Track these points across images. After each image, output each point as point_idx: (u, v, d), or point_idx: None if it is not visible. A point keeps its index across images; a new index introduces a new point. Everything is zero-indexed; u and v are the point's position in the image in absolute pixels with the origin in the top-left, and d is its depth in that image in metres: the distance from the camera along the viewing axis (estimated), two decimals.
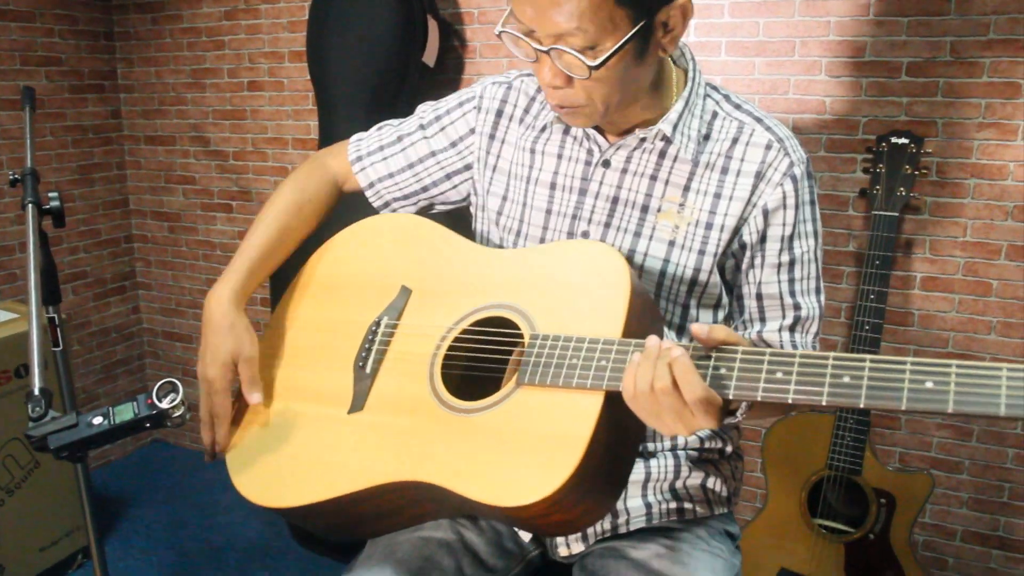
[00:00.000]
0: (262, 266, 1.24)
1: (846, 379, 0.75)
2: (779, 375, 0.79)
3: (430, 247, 1.17)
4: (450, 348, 1.04)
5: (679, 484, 1.22)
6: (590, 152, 1.19)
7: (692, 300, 1.18)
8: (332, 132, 2.61)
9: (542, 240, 1.20)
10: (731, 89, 2.00)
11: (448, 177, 1.32)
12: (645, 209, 1.15)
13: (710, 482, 1.24)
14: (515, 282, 1.05)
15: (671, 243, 1.14)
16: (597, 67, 0.98)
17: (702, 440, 1.25)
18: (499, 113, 1.28)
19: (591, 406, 0.87)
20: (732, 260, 1.17)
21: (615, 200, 1.17)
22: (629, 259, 1.14)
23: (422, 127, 1.33)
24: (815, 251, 1.18)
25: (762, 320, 1.19)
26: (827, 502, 2.12)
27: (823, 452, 2.11)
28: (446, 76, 2.70)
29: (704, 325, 0.85)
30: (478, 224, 1.30)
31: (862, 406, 0.75)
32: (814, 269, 1.18)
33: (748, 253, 1.16)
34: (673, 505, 1.21)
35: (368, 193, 1.36)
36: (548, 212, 1.21)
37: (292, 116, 3.01)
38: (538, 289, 1.02)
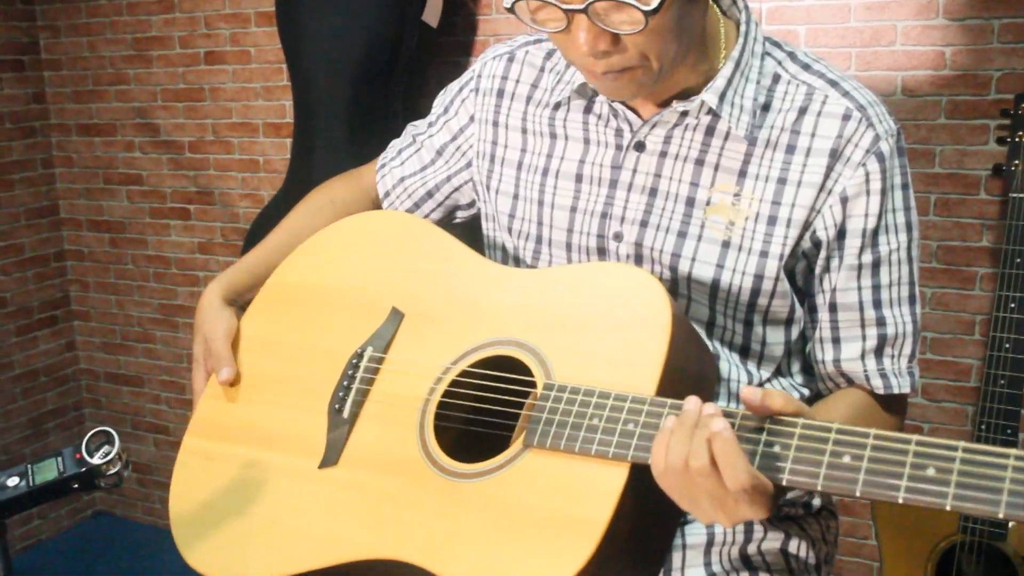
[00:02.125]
0: (264, 265, 1.36)
1: (930, 471, 0.78)
2: (847, 459, 0.80)
3: (427, 258, 1.21)
4: (446, 393, 1.07)
5: (751, 549, 1.22)
6: (619, 133, 1.21)
7: (755, 315, 1.18)
8: (309, 114, 2.63)
9: (568, 246, 1.23)
10: (821, 42, 1.93)
11: (449, 179, 1.38)
12: (691, 202, 1.16)
13: (792, 546, 1.25)
14: (529, 313, 1.08)
15: (725, 244, 1.15)
16: (655, 10, 0.99)
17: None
18: (500, 93, 1.31)
19: (612, 483, 0.90)
20: (804, 262, 1.18)
21: (653, 192, 1.18)
22: (673, 267, 1.16)
23: (431, 123, 1.41)
24: (908, 249, 1.18)
25: (836, 342, 1.19)
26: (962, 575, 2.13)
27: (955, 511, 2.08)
28: (454, 39, 2.70)
29: (756, 390, 0.87)
30: (487, 233, 1.35)
31: (948, 508, 0.77)
32: (907, 272, 1.18)
33: (823, 253, 1.16)
34: None
35: (386, 205, 1.44)
36: (573, 210, 1.23)
37: (262, 95, 3.03)
38: (557, 324, 1.05)
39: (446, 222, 1.43)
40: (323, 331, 1.21)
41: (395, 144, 1.46)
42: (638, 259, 1.18)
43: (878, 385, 1.18)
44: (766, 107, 1.15)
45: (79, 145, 3.37)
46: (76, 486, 1.05)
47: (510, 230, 1.29)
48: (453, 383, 1.08)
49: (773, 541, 1.24)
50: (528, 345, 1.04)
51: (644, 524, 0.94)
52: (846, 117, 1.13)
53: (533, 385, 1.02)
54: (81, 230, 3.44)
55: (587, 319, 1.03)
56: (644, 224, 1.18)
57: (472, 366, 1.07)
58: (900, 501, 0.77)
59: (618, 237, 1.19)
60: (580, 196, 1.23)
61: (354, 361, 1.16)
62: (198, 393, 1.29)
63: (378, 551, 0.97)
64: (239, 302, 1.36)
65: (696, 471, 0.84)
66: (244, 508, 1.11)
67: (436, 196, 1.40)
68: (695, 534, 1.20)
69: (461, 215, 1.43)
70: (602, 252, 1.20)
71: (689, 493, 0.87)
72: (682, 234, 1.16)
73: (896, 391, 1.19)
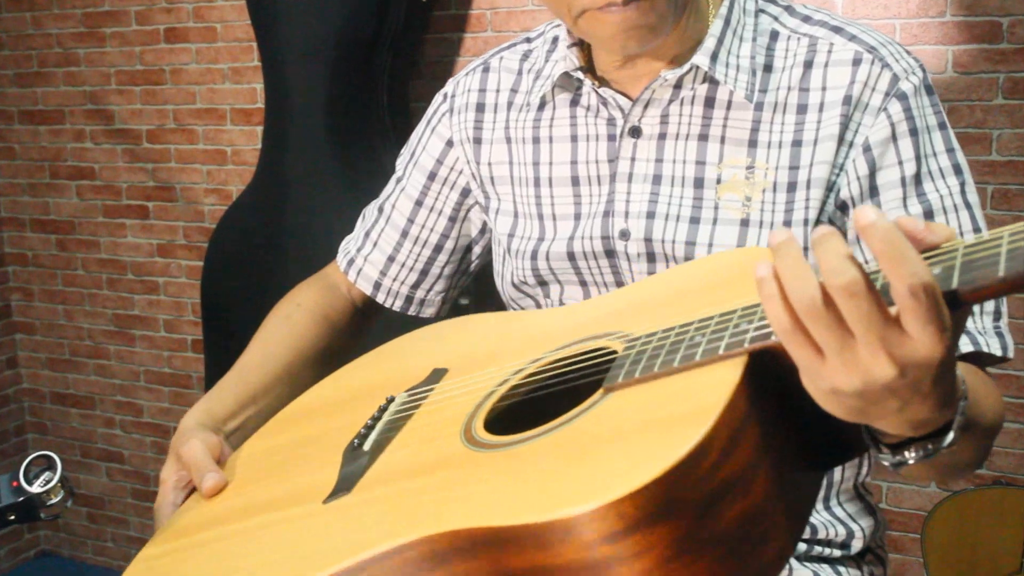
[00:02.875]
0: (244, 384, 1.32)
1: None
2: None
3: (485, 327, 1.19)
4: (509, 394, 1.01)
5: None
6: (611, 122, 1.23)
7: None
8: (282, 99, 2.65)
9: (570, 255, 1.24)
10: (860, 13, 2.01)
11: (452, 220, 1.38)
12: (700, 183, 1.18)
13: None
14: (617, 313, 1.04)
15: (744, 223, 1.17)
16: None
17: (813, 527, 1.22)
18: (480, 107, 1.33)
19: (726, 375, 0.78)
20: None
21: (656, 179, 1.20)
22: (690, 258, 1.17)
23: (398, 179, 1.41)
24: (963, 194, 1.15)
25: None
26: None
27: (1016, 544, 2.11)
28: (446, 13, 2.70)
29: (910, 219, 0.75)
30: (496, 266, 1.35)
31: None
32: (968, 220, 1.15)
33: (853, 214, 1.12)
34: None
35: (380, 299, 1.44)
36: (577, 218, 1.24)
37: (230, 77, 3.03)
38: (645, 310, 1.00)
39: (463, 275, 1.44)
40: (344, 414, 1.15)
41: (351, 237, 1.47)
42: (650, 256, 1.19)
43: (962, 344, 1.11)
44: (768, 68, 1.18)
45: (22, 134, 3.38)
46: (13, 518, 1.05)
47: (511, 250, 1.30)
48: (517, 386, 1.01)
49: None
50: (610, 332, 0.99)
51: (778, 426, 0.80)
52: (856, 62, 1.15)
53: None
54: (24, 231, 3.46)
55: (677, 295, 0.99)
56: (651, 215, 1.19)
57: (544, 366, 1.01)
58: None
59: (624, 235, 1.20)
60: (581, 201, 1.25)
61: (382, 407, 1.10)
62: (162, 520, 1.16)
63: (398, 536, 0.84)
64: (223, 431, 1.27)
65: (846, 292, 0.69)
66: (215, 570, 1.00)
67: (446, 248, 1.41)
68: None
69: (476, 251, 1.42)
70: (610, 255, 1.22)
71: (835, 341, 0.72)
72: (695, 220, 1.18)
73: (986, 350, 1.12)
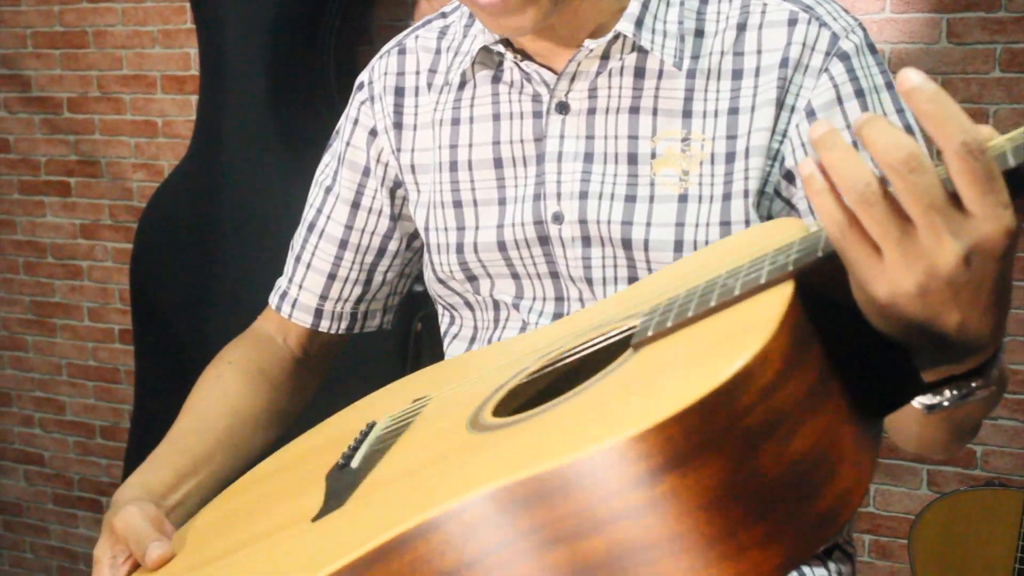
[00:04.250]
0: (180, 453, 1.27)
1: None
2: None
3: (460, 360, 1.21)
4: (520, 385, 0.97)
5: None
6: (536, 98, 1.24)
7: None
8: (218, 65, 2.64)
9: (500, 245, 1.25)
10: None
11: (393, 219, 1.38)
12: (633, 159, 1.20)
13: None
14: (642, 300, 0.99)
15: (683, 198, 1.19)
16: None
17: None
18: (398, 91, 1.34)
19: (775, 296, 0.74)
20: (782, 205, 1.21)
21: (588, 157, 1.22)
22: (626, 239, 1.19)
23: (327, 188, 1.41)
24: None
25: None
26: None
27: (1010, 549, 2.11)
28: None
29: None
30: (425, 262, 1.36)
31: None
32: None
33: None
34: None
35: (323, 327, 1.43)
36: (503, 203, 1.26)
37: (160, 40, 2.99)
38: (677, 287, 0.95)
39: (405, 278, 1.44)
40: (311, 462, 1.09)
41: (285, 270, 1.46)
42: (585, 240, 1.21)
43: None
44: (699, 33, 1.20)
45: None
46: None
47: (430, 247, 1.31)
48: (535, 372, 0.97)
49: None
50: (639, 313, 0.93)
51: (841, 368, 0.76)
52: (792, 22, 1.17)
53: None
54: None
55: (697, 269, 0.96)
56: (584, 195, 1.21)
57: (564, 353, 0.97)
58: None
59: (558, 218, 1.22)
60: (506, 184, 1.26)
61: (363, 430, 1.06)
62: None
63: (406, 519, 0.77)
64: (163, 507, 1.20)
65: (904, 164, 0.68)
66: None
67: (388, 247, 1.39)
68: None
69: (416, 247, 1.41)
70: (544, 242, 1.23)
71: (894, 230, 0.71)
72: (631, 198, 1.20)
73: None
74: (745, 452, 0.67)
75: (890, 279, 0.72)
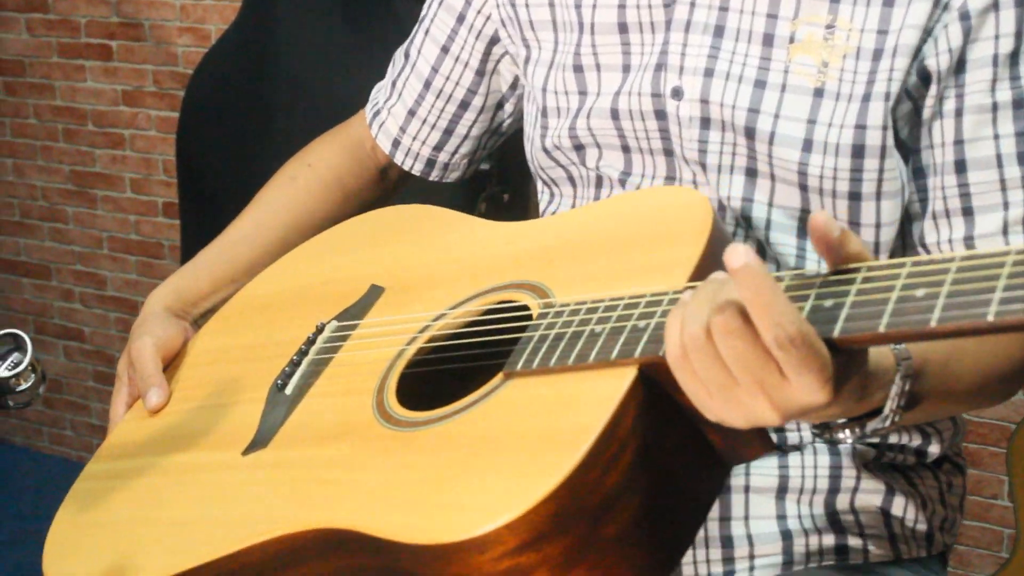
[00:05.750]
0: (225, 263, 1.37)
1: None
2: (921, 293, 0.77)
3: (431, 235, 1.28)
4: (427, 348, 1.12)
5: (840, 502, 1.23)
6: None
7: (865, 186, 1.18)
8: None
9: (614, 114, 1.24)
10: None
11: (480, 73, 1.39)
12: (769, 40, 1.17)
13: (896, 505, 1.24)
14: (538, 254, 1.13)
15: (818, 92, 1.16)
16: None
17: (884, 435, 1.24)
18: None
19: (613, 387, 0.89)
20: (908, 104, 1.18)
21: (719, 30, 1.19)
22: (750, 128, 1.18)
23: (421, 19, 1.42)
24: None
25: (967, 214, 1.18)
26: None
27: None
28: None
29: (834, 221, 0.81)
30: (526, 128, 1.36)
31: None
32: None
33: (933, 90, 1.15)
34: (830, 540, 1.22)
35: (399, 159, 1.45)
36: (626, 70, 1.24)
37: None
38: (569, 255, 1.10)
39: (493, 135, 1.46)
40: (282, 327, 1.27)
41: (380, 85, 1.48)
42: (705, 122, 1.19)
43: None
44: None
45: None
46: None
47: (545, 110, 1.30)
48: (435, 337, 1.13)
49: (870, 495, 1.23)
50: (530, 283, 1.08)
51: (661, 453, 0.92)
52: None
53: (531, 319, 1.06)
54: None
55: (607, 242, 1.08)
56: (709, 73, 1.19)
57: (463, 316, 1.12)
58: (991, 319, 0.74)
59: (677, 93, 1.20)
60: (631, 51, 1.24)
61: (311, 337, 1.21)
62: (115, 420, 1.29)
63: (297, 524, 0.99)
64: (192, 314, 1.36)
65: (721, 329, 0.79)
66: (138, 518, 1.14)
67: (472, 102, 1.41)
68: (763, 475, 1.21)
69: (508, 109, 1.43)
70: (660, 116, 1.21)
71: (717, 377, 0.82)
72: (760, 83, 1.17)
73: None
74: (586, 525, 0.86)
75: (715, 412, 0.83)
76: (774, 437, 1.12)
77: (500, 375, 0.99)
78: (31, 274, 3.50)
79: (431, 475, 0.95)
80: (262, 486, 1.08)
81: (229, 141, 2.73)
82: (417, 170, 1.44)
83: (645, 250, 1.03)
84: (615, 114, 1.23)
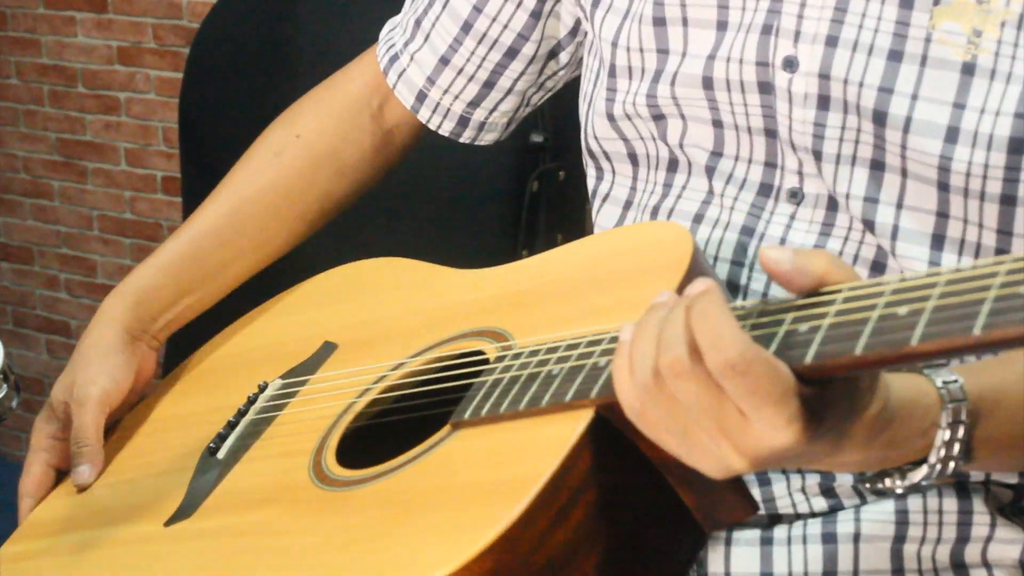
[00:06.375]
0: (189, 260, 1.35)
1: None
2: (904, 311, 0.78)
3: (393, 288, 1.32)
4: (378, 402, 1.17)
5: (970, 553, 1.19)
6: None
7: (1022, 188, 1.12)
8: None
9: (707, 83, 1.20)
10: None
11: (536, 15, 1.35)
12: (908, 3, 1.11)
13: None
14: (512, 298, 1.17)
15: (968, 69, 1.10)
16: None
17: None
18: None
19: (566, 430, 0.91)
20: None
21: None
22: (880, 112, 1.14)
23: None
24: None
25: None
26: None
27: None
28: None
29: (784, 250, 0.83)
30: (584, 87, 1.33)
31: None
32: None
33: None
34: None
35: (424, 116, 1.40)
36: (721, 27, 1.20)
37: None
38: (543, 299, 1.15)
39: (540, 91, 1.43)
40: (224, 391, 1.31)
41: (395, 22, 1.44)
42: (823, 101, 1.14)
43: None
44: None
45: None
46: None
47: (614, 69, 1.25)
48: (386, 390, 1.17)
49: (1007, 545, 1.19)
50: (490, 329, 1.13)
51: (623, 510, 0.94)
52: None
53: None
54: None
55: (578, 283, 1.13)
56: (832, 42, 1.14)
57: (418, 367, 1.17)
58: (977, 333, 0.74)
59: (789, 65, 1.15)
60: (729, 3, 1.19)
61: (251, 396, 1.25)
62: (31, 492, 1.29)
63: None
64: (151, 331, 1.34)
65: (669, 372, 0.80)
66: None
67: (523, 50, 1.37)
68: (876, 520, 1.17)
69: (563, 60, 1.40)
70: (765, 90, 1.16)
71: (678, 425, 0.83)
72: (895, 55, 1.12)
73: None
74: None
75: (688, 461, 0.84)
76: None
77: (447, 426, 1.03)
78: (10, 258, 3.52)
79: (362, 535, 0.98)
80: (182, 558, 1.13)
81: (240, 107, 2.59)
82: (446, 130, 1.39)
83: (617, 288, 1.07)
84: (708, 82, 1.19)
